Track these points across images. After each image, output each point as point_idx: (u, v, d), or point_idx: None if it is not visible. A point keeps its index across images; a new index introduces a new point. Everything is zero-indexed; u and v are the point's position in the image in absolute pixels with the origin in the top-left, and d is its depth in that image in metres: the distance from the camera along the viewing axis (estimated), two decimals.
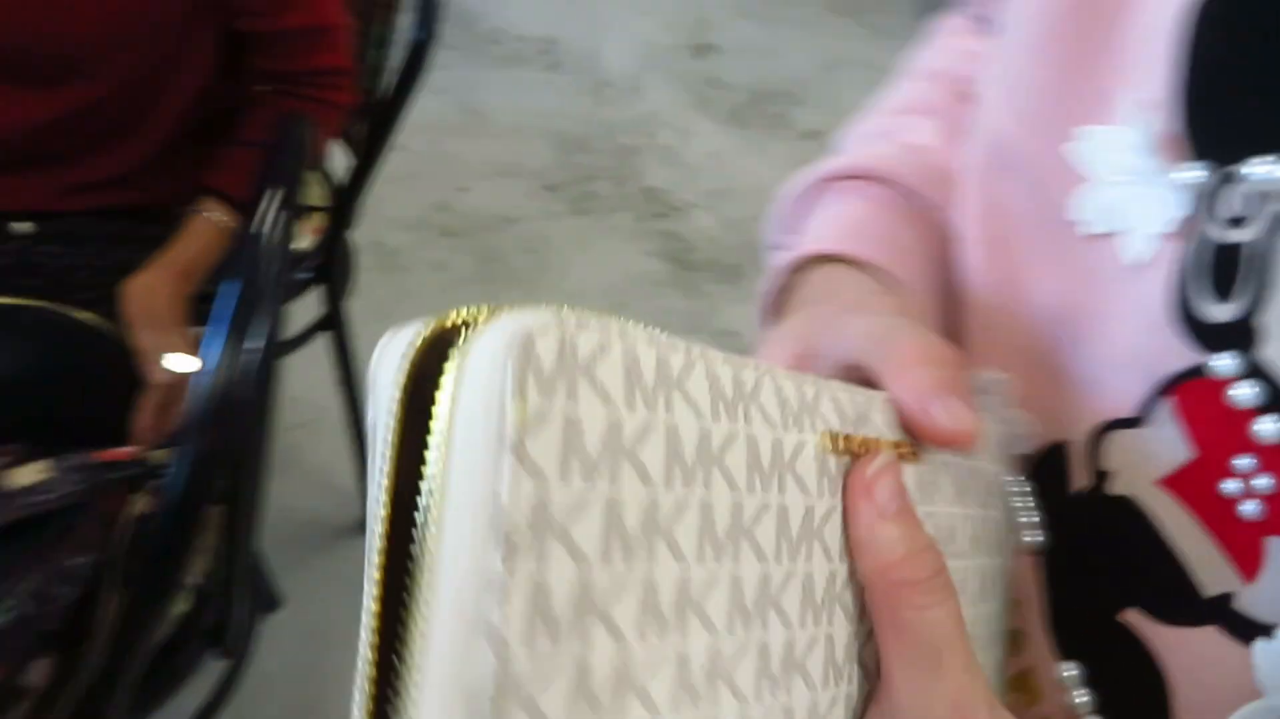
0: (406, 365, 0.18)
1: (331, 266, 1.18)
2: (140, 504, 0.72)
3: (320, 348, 1.34)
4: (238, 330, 0.54)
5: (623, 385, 0.18)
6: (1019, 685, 0.36)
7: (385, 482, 0.17)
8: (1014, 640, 0.34)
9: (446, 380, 0.17)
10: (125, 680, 0.66)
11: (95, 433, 0.88)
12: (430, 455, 0.17)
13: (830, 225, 0.42)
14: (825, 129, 2.53)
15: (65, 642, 0.73)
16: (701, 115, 2.49)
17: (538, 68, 2.54)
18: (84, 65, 0.88)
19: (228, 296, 0.56)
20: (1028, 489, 0.34)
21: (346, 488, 1.49)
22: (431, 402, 0.17)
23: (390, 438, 0.17)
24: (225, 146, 0.97)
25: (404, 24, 1.13)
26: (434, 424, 0.17)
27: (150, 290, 0.88)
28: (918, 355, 0.27)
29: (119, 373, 0.86)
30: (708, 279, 2.05)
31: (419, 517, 0.17)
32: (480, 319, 0.18)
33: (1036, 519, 0.34)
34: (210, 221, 0.93)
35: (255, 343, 0.55)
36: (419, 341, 0.18)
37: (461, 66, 2.43)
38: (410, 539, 0.17)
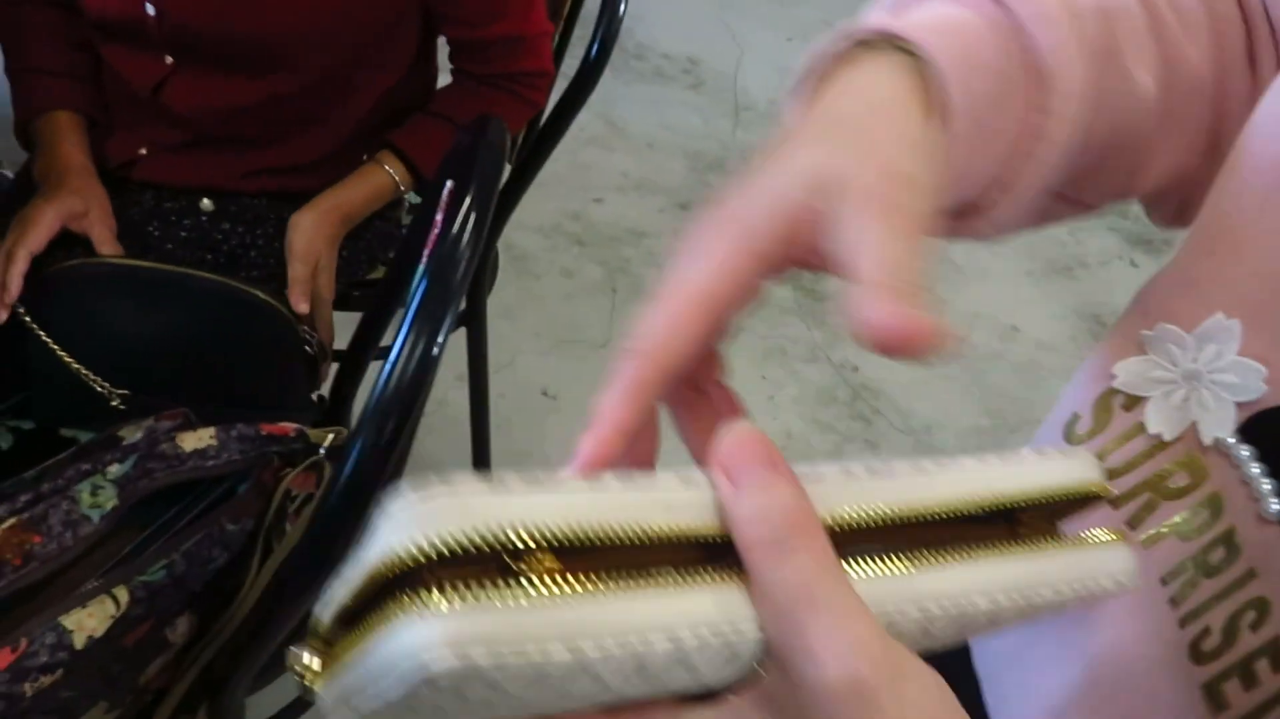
0: (385, 559, 0.21)
1: (483, 266, 1.21)
2: (293, 480, 0.75)
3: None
4: (425, 324, 0.56)
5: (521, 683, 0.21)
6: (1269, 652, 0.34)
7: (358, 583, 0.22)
8: (1260, 611, 0.33)
9: (389, 618, 0.21)
10: (259, 649, 0.69)
11: (256, 403, 0.92)
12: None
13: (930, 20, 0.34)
14: None
15: (205, 603, 0.76)
16: None
17: (680, 86, 2.56)
18: (288, 59, 0.93)
19: (417, 289, 0.58)
20: (1260, 457, 0.33)
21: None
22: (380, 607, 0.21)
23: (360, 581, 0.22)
24: (418, 114, 1.02)
25: (575, 39, 1.15)
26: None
27: (314, 227, 0.95)
28: (874, 224, 0.26)
29: (283, 348, 0.90)
30: (832, 310, 2.02)
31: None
32: (429, 597, 0.20)
33: (1269, 487, 0.33)
34: (385, 174, 0.99)
35: (436, 338, 0.56)
36: (403, 554, 0.20)
37: (604, 79, 2.47)
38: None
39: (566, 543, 0.21)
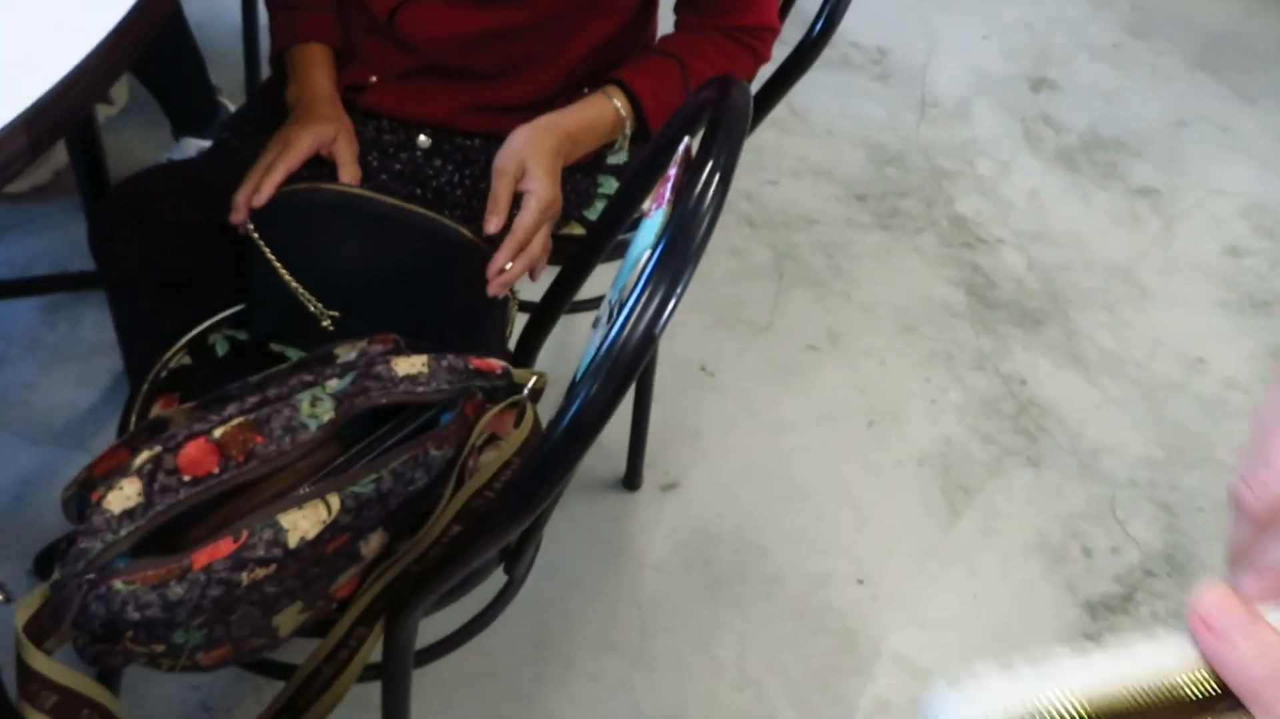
0: None
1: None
2: (493, 417, 0.77)
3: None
4: (662, 282, 0.56)
5: None
6: None
7: None
8: None
9: None
10: (446, 578, 0.71)
11: (451, 342, 0.95)
12: None
13: None
14: (1161, 188, 2.35)
15: (397, 523, 0.79)
16: (1027, 151, 2.37)
17: (866, 76, 2.50)
18: None
19: (658, 246, 0.58)
20: None
21: (612, 446, 1.53)
22: None
23: None
24: (646, 51, 1.02)
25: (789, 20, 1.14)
26: None
27: (525, 139, 0.93)
28: None
29: (485, 291, 0.92)
30: (1004, 319, 1.95)
31: None
32: None
33: None
34: (612, 106, 0.99)
35: (671, 297, 0.56)
36: None
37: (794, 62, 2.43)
38: None
39: (1108, 710, 0.28)
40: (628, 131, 1.00)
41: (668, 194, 0.68)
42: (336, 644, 0.81)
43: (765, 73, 1.15)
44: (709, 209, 0.61)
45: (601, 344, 0.59)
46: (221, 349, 0.97)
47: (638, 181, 0.87)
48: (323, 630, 0.82)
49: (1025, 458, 1.71)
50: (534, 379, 0.78)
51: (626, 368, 0.57)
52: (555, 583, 1.40)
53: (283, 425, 0.71)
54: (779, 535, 1.53)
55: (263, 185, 0.88)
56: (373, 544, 0.78)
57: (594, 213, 1.21)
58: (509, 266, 0.91)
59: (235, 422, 0.71)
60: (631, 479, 1.52)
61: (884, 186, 2.19)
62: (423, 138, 1.03)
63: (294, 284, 0.92)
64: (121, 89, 1.77)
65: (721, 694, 1.34)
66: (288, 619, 0.76)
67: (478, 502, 0.78)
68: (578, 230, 1.19)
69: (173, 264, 0.97)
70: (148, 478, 0.67)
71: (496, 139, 1.05)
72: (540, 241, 0.93)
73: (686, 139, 0.72)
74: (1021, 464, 1.70)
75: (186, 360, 0.95)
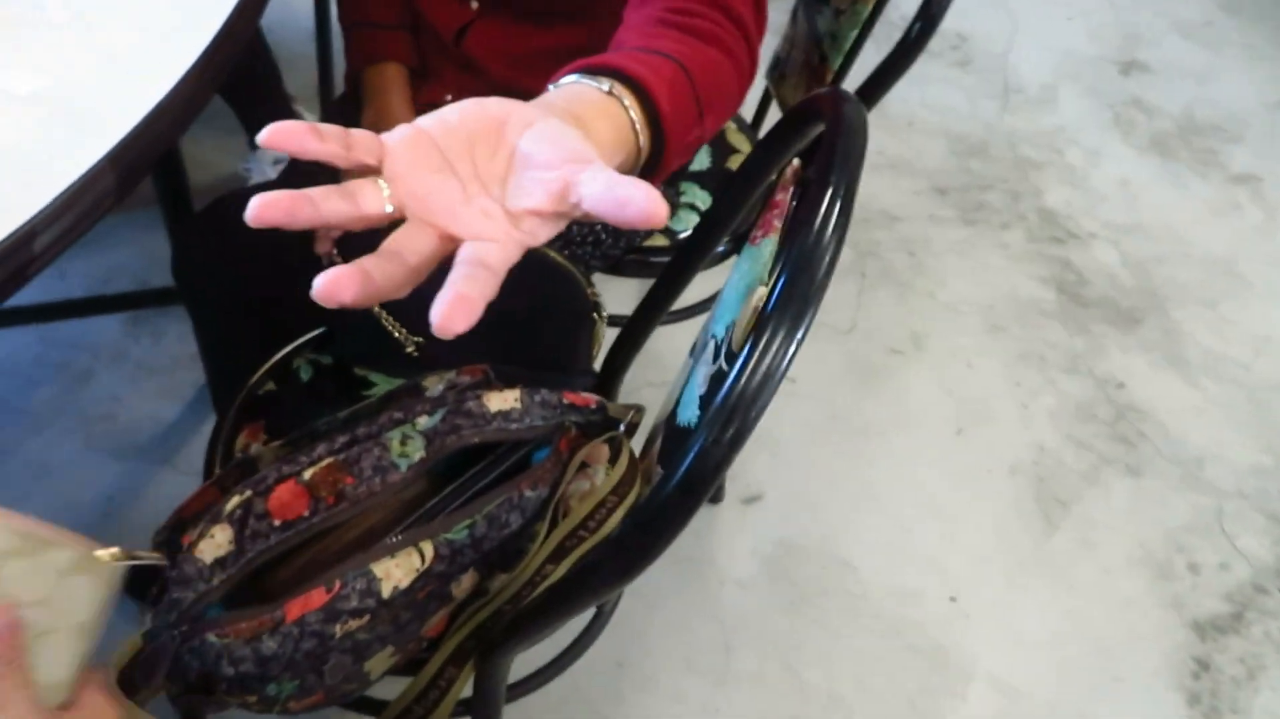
0: None
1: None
2: (587, 452, 0.74)
3: None
4: (780, 329, 0.52)
5: None
6: None
7: None
8: None
9: None
10: (543, 624, 0.68)
11: (540, 362, 0.92)
12: None
13: None
14: (1262, 174, 2.22)
15: (489, 563, 0.76)
16: (1118, 138, 2.27)
17: (946, 63, 2.41)
18: (586, 9, 0.91)
19: (775, 286, 0.54)
20: None
21: None
22: None
23: None
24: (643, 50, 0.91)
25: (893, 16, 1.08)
26: None
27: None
28: None
29: (572, 310, 0.89)
30: (1098, 318, 1.86)
31: None
32: None
33: None
34: (622, 110, 0.81)
35: (793, 342, 0.52)
36: None
37: (866, 51, 2.36)
38: None
39: None
40: (643, 145, 0.85)
41: (775, 221, 0.63)
42: (427, 684, 0.79)
43: (859, 75, 1.10)
44: (830, 244, 0.57)
45: (716, 390, 0.55)
46: (306, 374, 0.95)
47: (735, 193, 0.83)
48: (413, 669, 0.80)
49: (1124, 466, 1.63)
50: (630, 414, 0.74)
51: (745, 417, 0.53)
52: (637, 601, 1.37)
53: (373, 465, 0.69)
54: (865, 549, 1.48)
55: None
56: (464, 585, 0.75)
57: (679, 223, 1.17)
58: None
59: (325, 462, 0.68)
60: (713, 492, 1.48)
61: (967, 179, 2.11)
62: None
63: (376, 309, 0.89)
64: None
65: (808, 716, 1.29)
66: (379, 663, 0.74)
67: (572, 541, 0.75)
68: (661, 242, 1.16)
69: (255, 291, 0.95)
70: (239, 524, 0.65)
71: None
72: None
73: (796, 160, 0.67)
74: (1120, 473, 1.62)
75: (271, 386, 0.93)
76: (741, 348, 0.55)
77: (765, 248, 0.63)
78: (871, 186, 2.05)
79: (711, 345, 0.65)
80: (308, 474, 0.68)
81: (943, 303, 1.84)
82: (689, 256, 0.90)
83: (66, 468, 1.37)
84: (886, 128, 2.20)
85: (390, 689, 0.81)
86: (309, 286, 0.91)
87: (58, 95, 0.66)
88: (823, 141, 0.63)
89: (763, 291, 0.57)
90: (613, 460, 0.74)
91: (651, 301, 0.93)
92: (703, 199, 1.19)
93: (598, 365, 1.02)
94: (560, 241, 0.99)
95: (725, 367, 0.59)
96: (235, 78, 1.54)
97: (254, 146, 1.64)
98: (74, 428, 1.41)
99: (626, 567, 0.57)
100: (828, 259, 0.56)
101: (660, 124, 0.64)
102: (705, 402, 0.62)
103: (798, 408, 1.65)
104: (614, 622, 1.33)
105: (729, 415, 0.52)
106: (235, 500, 0.66)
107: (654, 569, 1.42)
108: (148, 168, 0.63)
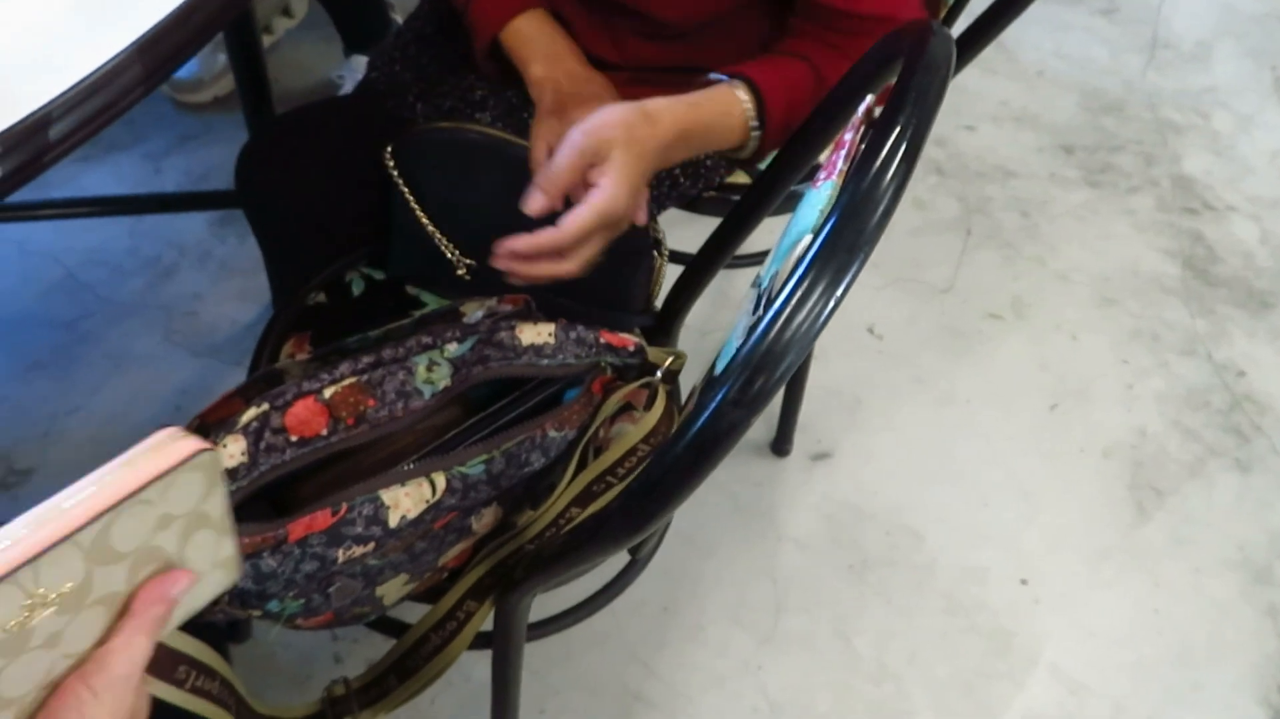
0: None
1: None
2: (623, 396, 0.69)
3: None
4: (826, 270, 0.46)
5: None
6: None
7: None
8: None
9: None
10: (561, 568, 0.64)
11: (595, 297, 0.87)
12: None
13: None
14: None
15: (513, 499, 0.73)
16: (1277, 104, 2.07)
17: (1089, 10, 2.23)
18: None
19: (825, 225, 0.48)
20: None
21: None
22: None
23: None
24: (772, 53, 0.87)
25: None
26: None
27: (632, 131, 0.72)
28: None
29: (631, 244, 0.84)
30: (1225, 299, 1.71)
31: None
32: None
33: None
34: (738, 103, 0.79)
35: (837, 290, 0.46)
36: None
37: None
38: None
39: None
40: (753, 133, 0.81)
41: (840, 163, 0.57)
42: (445, 615, 0.77)
43: (975, 9, 1.01)
44: (887, 190, 0.51)
45: (743, 344, 0.50)
46: (357, 288, 0.93)
47: (815, 126, 0.76)
48: (432, 597, 0.78)
49: (1233, 460, 1.51)
50: (669, 360, 0.70)
51: (768, 376, 0.47)
52: (690, 548, 1.34)
53: (396, 389, 0.66)
54: (936, 520, 1.40)
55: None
56: (485, 519, 0.72)
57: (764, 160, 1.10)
58: (526, 266, 0.75)
59: (347, 382, 0.66)
60: (781, 444, 1.43)
61: (1097, 138, 1.95)
62: None
63: (430, 228, 0.86)
64: (301, 1, 1.77)
65: (855, 687, 1.25)
66: (393, 589, 0.72)
67: (599, 486, 0.72)
68: (742, 179, 1.09)
69: (314, 203, 0.93)
70: (254, 436, 0.63)
71: (660, 71, 0.95)
72: (583, 254, 0.75)
73: (870, 97, 0.60)
74: (1228, 467, 1.50)
75: (321, 298, 0.92)
76: (778, 296, 0.49)
77: (824, 191, 0.57)
78: (990, 138, 1.92)
79: (754, 295, 0.59)
80: (328, 392, 0.65)
81: (1053, 269, 1.72)
82: (756, 195, 0.84)
83: (144, 360, 1.40)
84: (1015, 75, 2.05)
85: (413, 613, 0.80)
86: (367, 201, 0.87)
87: None
88: (898, 78, 0.56)
89: (806, 241, 0.51)
90: (647, 407, 0.70)
91: (716, 242, 0.87)
92: None
93: (659, 304, 0.97)
94: None
95: (762, 315, 0.54)
96: None
97: (348, 54, 1.63)
98: (156, 321, 1.44)
99: (631, 527, 0.53)
100: (881, 208, 0.50)
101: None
102: (739, 354, 0.57)
103: (882, 366, 1.57)
104: (664, 566, 1.30)
105: (751, 373, 0.47)
106: (252, 413, 0.64)
107: (710, 517, 1.39)
108: (180, 61, 0.60)
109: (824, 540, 1.37)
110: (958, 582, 1.35)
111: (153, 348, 1.41)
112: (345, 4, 1.55)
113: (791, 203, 1.01)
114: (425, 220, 0.86)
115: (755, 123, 0.80)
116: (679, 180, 1.01)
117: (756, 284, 0.62)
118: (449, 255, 0.87)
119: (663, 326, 0.95)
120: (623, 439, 0.70)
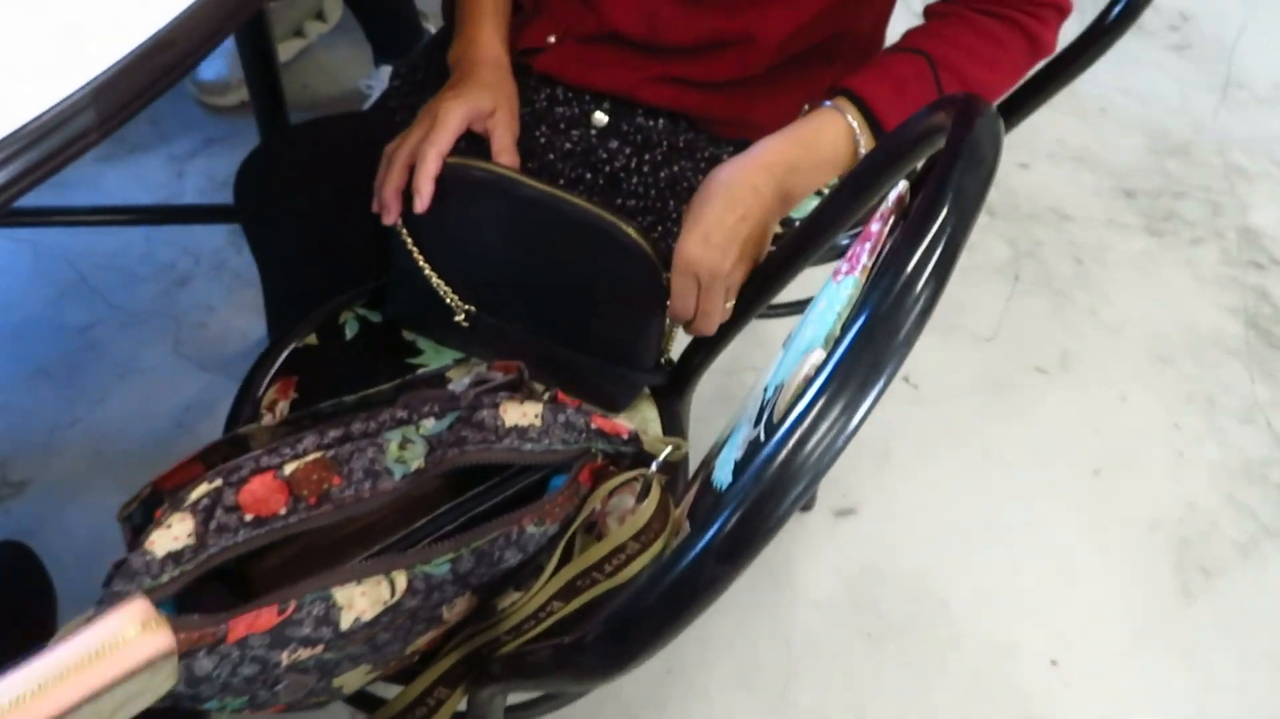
0: None
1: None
2: (613, 485, 0.63)
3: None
4: (837, 399, 0.40)
5: None
6: None
7: None
8: None
9: None
10: (532, 679, 0.58)
11: (601, 350, 0.81)
12: None
13: None
14: None
15: (488, 591, 0.67)
16: None
17: (1160, 45, 2.12)
18: None
19: (847, 334, 0.41)
20: None
21: None
22: None
23: None
24: (883, 51, 0.82)
25: None
26: None
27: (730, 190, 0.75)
28: None
29: (643, 297, 0.77)
30: None
31: None
32: None
33: None
34: (846, 126, 0.77)
35: (857, 411, 0.40)
36: None
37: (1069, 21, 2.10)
38: None
39: None
40: (863, 151, 0.78)
41: (864, 257, 0.50)
42: (415, 700, 0.71)
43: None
44: (918, 302, 0.44)
45: (740, 469, 0.43)
46: (351, 330, 0.87)
47: (835, 205, 0.69)
48: (402, 678, 0.72)
49: None
50: (667, 449, 0.63)
51: (760, 520, 0.41)
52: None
53: (365, 468, 0.60)
54: (965, 588, 1.32)
55: (420, 183, 0.76)
56: (457, 608, 0.66)
57: (800, 209, 1.02)
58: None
59: (311, 457, 0.60)
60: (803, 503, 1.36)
61: (1160, 183, 1.85)
62: (599, 115, 0.88)
63: (428, 271, 0.80)
64: (335, 4, 1.72)
65: None
66: (353, 679, 0.66)
67: (584, 581, 0.65)
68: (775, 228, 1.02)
69: (313, 226, 0.88)
70: (204, 515, 0.58)
71: (685, 119, 0.89)
72: (717, 313, 0.78)
73: (903, 183, 0.53)
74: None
75: (312, 339, 0.86)
76: (782, 421, 0.43)
77: (844, 289, 0.49)
78: (1046, 178, 1.83)
79: (758, 402, 0.52)
80: (290, 468, 0.60)
81: (1105, 321, 1.63)
82: (793, 247, 0.77)
83: (151, 371, 1.36)
84: (1075, 111, 1.95)
85: (385, 686, 0.74)
86: (367, 229, 0.81)
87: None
88: (936, 163, 0.49)
89: (819, 356, 0.44)
90: (640, 499, 0.63)
91: (744, 294, 0.80)
92: (830, 182, 1.04)
93: (675, 355, 0.90)
94: (653, 216, 0.87)
95: (763, 437, 0.47)
96: None
97: (378, 64, 1.58)
98: (165, 331, 1.40)
99: (602, 669, 0.46)
100: (910, 322, 0.43)
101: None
102: (739, 470, 0.50)
103: (915, 416, 1.49)
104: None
105: (742, 517, 0.40)
106: (202, 489, 0.58)
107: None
108: (141, 105, 0.54)
109: (844, 603, 1.30)
110: (983, 657, 1.27)
111: (160, 359, 1.37)
112: (376, 13, 1.50)
113: (833, 255, 0.94)
114: (423, 264, 0.80)
115: (861, 147, 0.78)
116: None
117: (761, 384, 0.55)
118: (448, 300, 0.82)
119: (675, 385, 0.89)
120: (611, 535, 0.63)
